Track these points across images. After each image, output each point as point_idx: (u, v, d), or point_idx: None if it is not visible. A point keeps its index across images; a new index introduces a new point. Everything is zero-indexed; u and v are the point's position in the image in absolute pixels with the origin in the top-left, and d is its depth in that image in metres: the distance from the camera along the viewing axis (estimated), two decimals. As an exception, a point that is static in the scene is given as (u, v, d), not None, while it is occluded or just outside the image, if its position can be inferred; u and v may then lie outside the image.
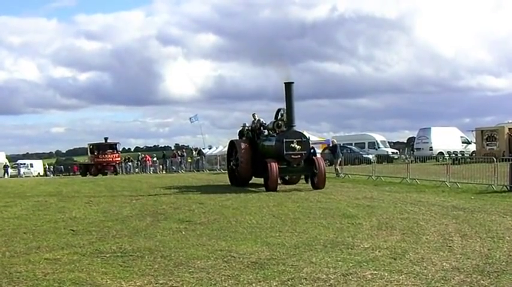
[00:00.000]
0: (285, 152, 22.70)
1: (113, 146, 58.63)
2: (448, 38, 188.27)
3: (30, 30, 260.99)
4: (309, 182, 24.33)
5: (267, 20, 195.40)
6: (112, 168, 56.79)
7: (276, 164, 22.53)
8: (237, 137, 27.38)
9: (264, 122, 26.20)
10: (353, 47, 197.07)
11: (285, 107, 24.14)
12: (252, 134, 26.28)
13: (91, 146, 58.79)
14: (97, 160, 56.71)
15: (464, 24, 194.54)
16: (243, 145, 25.49)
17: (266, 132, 25.65)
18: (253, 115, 26.89)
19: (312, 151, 26.00)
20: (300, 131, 24.17)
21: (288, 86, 23.55)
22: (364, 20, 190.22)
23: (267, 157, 23.39)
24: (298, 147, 22.76)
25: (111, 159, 57.24)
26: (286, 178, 26.32)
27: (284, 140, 22.81)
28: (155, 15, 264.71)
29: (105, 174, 54.16)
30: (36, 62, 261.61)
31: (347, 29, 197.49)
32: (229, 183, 26.97)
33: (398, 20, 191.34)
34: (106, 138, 59.55)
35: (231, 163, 26.98)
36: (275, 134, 24.42)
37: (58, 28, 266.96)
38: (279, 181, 25.66)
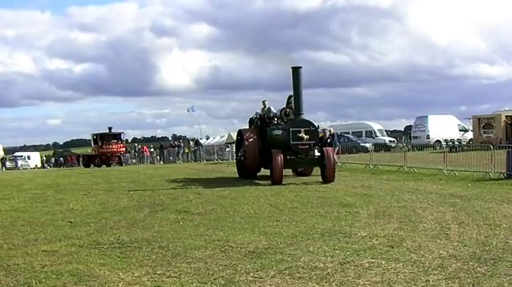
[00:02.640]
0: (291, 142, 21.25)
1: (117, 136, 56.83)
2: (442, 26, 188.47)
3: (24, 23, 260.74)
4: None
5: (260, 10, 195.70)
6: (117, 159, 54.97)
7: (282, 155, 21.14)
8: (246, 127, 26.24)
9: (274, 109, 24.75)
10: (347, 36, 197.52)
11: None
12: (261, 122, 24.78)
13: (94, 136, 56.77)
14: (101, 150, 54.74)
15: (457, 12, 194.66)
16: (250, 135, 24.13)
17: (276, 120, 24.21)
18: (263, 102, 25.46)
19: (328, 140, 25.14)
20: (309, 119, 22.31)
21: (295, 71, 22.20)
22: (357, 9, 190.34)
23: (275, 147, 21.96)
24: (306, 136, 21.18)
25: (115, 149, 55.32)
26: (299, 169, 25.01)
27: (291, 129, 21.36)
28: (148, 7, 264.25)
29: (110, 165, 52.62)
30: (31, 55, 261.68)
31: (340, 18, 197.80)
32: (237, 175, 25.66)
33: (391, 8, 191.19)
34: (110, 128, 57.34)
35: (239, 154, 25.61)
36: (283, 123, 23.16)
37: (52, 20, 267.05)
38: (292, 173, 25.25)
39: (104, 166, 51.89)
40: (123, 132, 58.78)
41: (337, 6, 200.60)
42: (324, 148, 21.97)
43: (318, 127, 23.22)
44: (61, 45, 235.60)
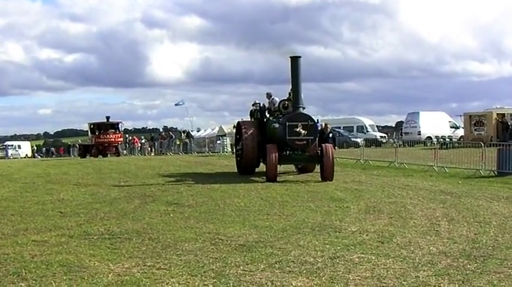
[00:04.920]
0: (287, 137, 19.80)
1: (115, 126, 54.40)
2: (432, 23, 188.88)
3: (15, 12, 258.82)
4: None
5: (250, 3, 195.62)
6: (114, 149, 52.97)
7: (276, 150, 19.85)
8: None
9: (277, 101, 22.75)
10: (338, 31, 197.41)
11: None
12: (261, 115, 23.33)
13: (91, 126, 54.71)
14: (98, 140, 52.66)
15: (448, 10, 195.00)
16: (248, 127, 22.49)
17: (279, 113, 22.19)
18: (268, 94, 23.80)
19: (330, 135, 24.03)
20: (307, 113, 20.84)
21: (294, 60, 20.76)
22: (347, 4, 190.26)
23: (273, 141, 20.69)
24: (303, 131, 19.72)
25: (113, 139, 53.08)
26: (299, 165, 23.56)
27: (287, 123, 19.90)
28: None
29: (106, 155, 50.79)
30: (22, 44, 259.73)
31: (331, 13, 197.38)
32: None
33: (382, 4, 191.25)
34: (108, 117, 54.94)
35: (237, 148, 24.04)
36: (281, 116, 21.49)
37: (42, 10, 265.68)
38: (295, 169, 24.05)
39: (101, 156, 50.81)
40: (121, 122, 56.23)
41: (327, 1, 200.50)
42: (322, 144, 20.75)
43: (318, 121, 21.84)
44: (52, 35, 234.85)
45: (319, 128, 23.97)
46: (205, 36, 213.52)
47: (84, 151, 54.59)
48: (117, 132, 53.92)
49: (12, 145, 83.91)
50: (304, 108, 20.96)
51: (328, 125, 26.01)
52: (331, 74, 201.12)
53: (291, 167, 24.22)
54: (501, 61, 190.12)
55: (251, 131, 22.29)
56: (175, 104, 67.56)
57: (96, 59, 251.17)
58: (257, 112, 23.74)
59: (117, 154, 52.24)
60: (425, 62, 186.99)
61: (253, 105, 24.29)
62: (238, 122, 24.46)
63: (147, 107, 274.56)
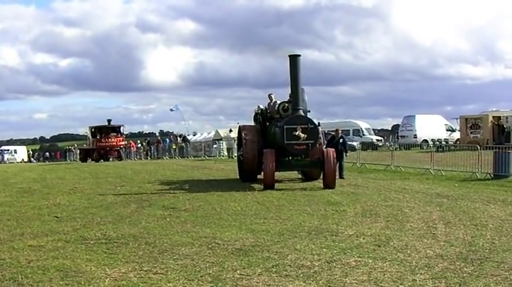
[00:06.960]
0: (285, 141, 18.59)
1: (116, 129, 53.77)
2: (426, 26, 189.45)
3: (9, 17, 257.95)
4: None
5: (243, 8, 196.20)
6: (116, 153, 52.30)
7: (273, 156, 18.67)
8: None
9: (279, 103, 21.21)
10: (331, 35, 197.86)
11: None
12: (263, 118, 22.02)
13: (92, 129, 53.71)
14: (99, 144, 51.65)
15: (441, 13, 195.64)
16: (249, 132, 21.41)
17: (278, 116, 20.76)
18: (269, 96, 22.32)
19: (341, 140, 22.61)
20: (307, 116, 19.81)
21: (293, 59, 19.48)
22: (340, 8, 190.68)
23: (272, 146, 19.50)
24: (303, 135, 18.51)
25: (115, 143, 52.26)
26: (299, 171, 22.71)
27: (285, 126, 18.67)
28: (132, 2, 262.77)
29: (108, 159, 50.14)
30: (16, 48, 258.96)
31: (324, 17, 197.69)
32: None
33: (375, 8, 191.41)
34: (109, 121, 54.65)
35: (238, 153, 22.98)
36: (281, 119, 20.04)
37: (36, 15, 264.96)
38: (301, 176, 22.95)
39: (102, 160, 49.76)
40: (122, 125, 55.64)
41: (320, 5, 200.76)
42: (324, 149, 19.58)
43: (319, 124, 20.50)
44: (46, 39, 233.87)
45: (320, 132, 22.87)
46: (199, 40, 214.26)
47: (85, 155, 53.49)
48: (119, 135, 52.98)
49: (8, 150, 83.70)
50: (309, 111, 20.26)
51: (339, 130, 24.90)
52: (326, 77, 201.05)
53: (295, 174, 23.59)
54: (494, 64, 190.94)
55: (251, 136, 21.24)
56: (170, 109, 67.87)
57: (90, 63, 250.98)
58: (259, 116, 22.39)
59: (120, 157, 51.38)
60: (419, 65, 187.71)
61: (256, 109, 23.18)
62: (239, 126, 23.65)
63: (143, 111, 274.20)
